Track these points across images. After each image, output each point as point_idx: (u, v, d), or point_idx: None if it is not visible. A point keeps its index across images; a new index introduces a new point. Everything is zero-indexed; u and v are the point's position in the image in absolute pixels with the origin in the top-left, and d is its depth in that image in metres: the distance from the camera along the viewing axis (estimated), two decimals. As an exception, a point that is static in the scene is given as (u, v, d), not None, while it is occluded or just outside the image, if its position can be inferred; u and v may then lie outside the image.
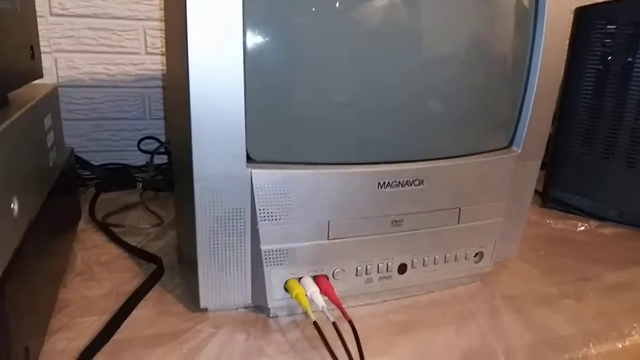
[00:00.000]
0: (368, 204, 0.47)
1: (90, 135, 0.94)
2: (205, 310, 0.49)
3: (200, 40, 0.39)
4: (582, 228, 0.75)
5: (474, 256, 0.55)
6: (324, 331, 0.43)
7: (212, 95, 0.40)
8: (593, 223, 0.76)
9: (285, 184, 0.44)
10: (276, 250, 0.45)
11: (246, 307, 0.50)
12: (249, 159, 0.43)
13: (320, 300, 0.45)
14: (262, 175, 0.43)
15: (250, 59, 0.40)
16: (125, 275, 0.55)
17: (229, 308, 0.49)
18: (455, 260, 0.54)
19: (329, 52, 0.44)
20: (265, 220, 0.44)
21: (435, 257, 0.52)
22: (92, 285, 0.53)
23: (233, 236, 0.45)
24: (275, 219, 0.44)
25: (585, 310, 0.52)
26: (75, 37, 0.90)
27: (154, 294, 0.52)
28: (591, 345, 0.46)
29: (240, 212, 0.44)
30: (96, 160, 0.91)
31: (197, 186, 0.42)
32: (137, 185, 0.79)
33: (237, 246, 0.45)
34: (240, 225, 0.44)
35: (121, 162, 0.93)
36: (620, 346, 0.47)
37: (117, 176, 0.82)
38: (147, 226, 0.68)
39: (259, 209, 0.44)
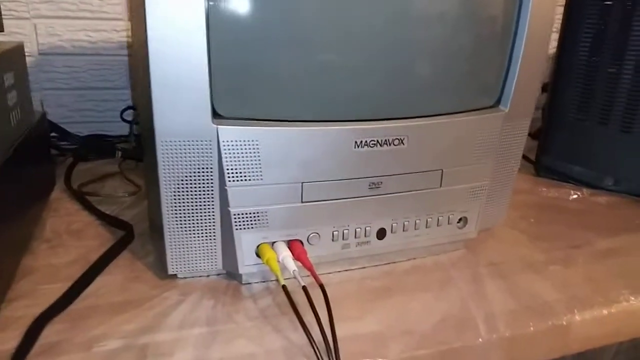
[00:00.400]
0: (344, 165, 0.45)
1: (73, 105, 0.91)
2: (175, 277, 0.47)
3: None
4: (575, 196, 0.72)
5: (458, 221, 0.53)
6: (297, 298, 0.41)
7: (171, 43, 0.37)
8: (586, 191, 0.74)
9: (255, 142, 0.41)
10: (247, 214, 0.43)
11: (218, 274, 0.48)
12: (216, 115, 0.40)
13: (292, 265, 0.43)
14: (229, 132, 0.40)
15: (213, 8, 0.38)
16: (94, 243, 0.53)
17: (199, 275, 0.47)
18: (438, 225, 0.52)
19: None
20: (234, 181, 0.42)
21: (416, 222, 0.50)
22: (59, 252, 0.51)
23: (200, 198, 0.42)
24: (245, 180, 0.42)
25: (572, 276, 0.50)
26: (54, 2, 0.86)
27: (124, 261, 0.50)
28: (575, 312, 0.44)
29: (207, 172, 0.41)
30: (81, 132, 0.88)
31: (159, 142, 0.40)
32: (117, 154, 0.76)
33: (205, 209, 0.43)
34: (208, 187, 0.42)
35: (106, 133, 0.90)
36: (605, 312, 0.45)
37: (95, 145, 0.79)
38: (124, 194, 0.66)
39: (227, 169, 0.41)
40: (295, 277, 0.41)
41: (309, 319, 0.39)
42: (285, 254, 0.44)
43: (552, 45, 0.83)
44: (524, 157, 0.83)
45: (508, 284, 0.48)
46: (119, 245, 0.50)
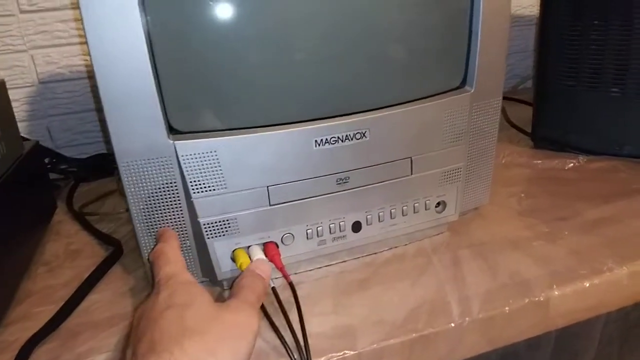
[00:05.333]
0: (307, 165, 0.45)
1: (76, 128, 0.94)
2: (162, 288, 0.49)
3: (94, 9, 0.37)
4: (571, 165, 0.71)
5: (436, 206, 0.53)
6: (274, 298, 0.42)
7: (115, 62, 0.38)
8: (582, 159, 0.72)
9: (214, 153, 0.42)
10: (216, 222, 0.44)
11: (202, 282, 0.49)
12: (173, 130, 0.42)
13: (264, 267, 0.44)
14: (186, 146, 0.42)
15: (152, 24, 0.39)
16: (90, 262, 0.55)
17: (184, 284, 0.49)
18: (415, 212, 0.52)
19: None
20: (198, 192, 0.43)
21: (391, 212, 0.50)
22: (57, 274, 0.53)
23: (169, 212, 0.44)
24: (210, 190, 0.43)
25: (556, 250, 0.50)
26: (48, 32, 0.90)
27: (116, 275, 0.52)
28: (554, 287, 0.44)
29: (172, 186, 0.43)
30: (88, 152, 0.92)
31: (121, 164, 0.41)
32: (115, 172, 0.79)
33: (175, 222, 0.44)
34: (175, 201, 0.43)
35: (109, 152, 0.94)
36: (587, 284, 0.44)
37: (95, 165, 0.82)
38: (122, 211, 0.68)
39: (190, 182, 0.42)
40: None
41: (292, 317, 0.40)
42: (259, 256, 0.45)
43: (536, 13, 0.80)
44: (521, 130, 0.82)
45: (488, 264, 0.48)
46: (106, 263, 0.52)
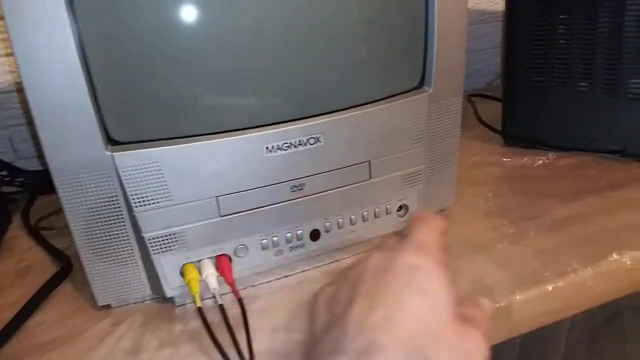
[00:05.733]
0: (258, 173, 0.43)
1: (36, 138, 0.91)
2: (110, 306, 0.46)
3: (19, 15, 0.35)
4: (540, 162, 0.69)
5: (397, 210, 0.51)
6: (229, 314, 0.40)
7: (47, 75, 0.36)
8: (552, 156, 0.70)
9: (156, 164, 0.40)
10: (162, 236, 0.42)
11: (153, 299, 0.47)
12: (112, 141, 0.40)
13: (213, 283, 0.42)
14: (125, 158, 0.39)
15: (84, 30, 0.36)
16: (40, 279, 0.52)
17: (134, 301, 0.47)
18: (376, 217, 0.50)
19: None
20: (141, 206, 0.41)
21: (350, 218, 0.49)
22: (5, 293, 0.51)
23: (111, 228, 0.41)
24: (153, 203, 0.41)
25: (521, 252, 0.48)
26: (5, 40, 0.86)
27: (66, 293, 0.49)
28: (517, 291, 0.42)
29: (112, 201, 0.40)
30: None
31: (57, 180, 0.39)
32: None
33: (118, 238, 0.42)
34: (116, 215, 0.41)
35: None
36: (550, 288, 0.43)
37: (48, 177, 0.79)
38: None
39: (131, 195, 0.40)
40: (214, 296, 0.40)
41: (242, 336, 0.38)
42: (208, 271, 0.43)
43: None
44: (491, 127, 0.81)
45: (450, 268, 0.46)
46: (53, 281, 0.49)
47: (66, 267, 0.52)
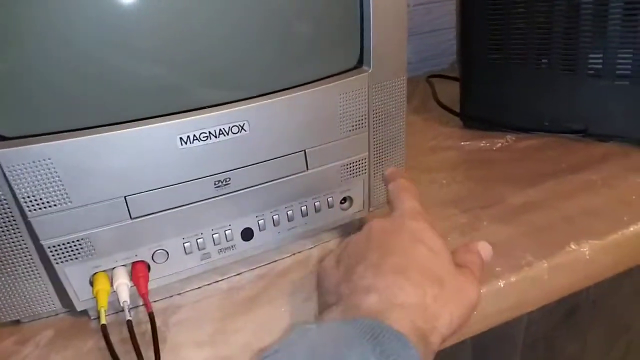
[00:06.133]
0: (172, 167, 0.38)
1: None
2: (18, 321, 0.41)
3: None
4: (499, 145, 0.66)
5: (341, 202, 0.47)
6: (145, 328, 0.35)
7: None
8: (511, 137, 0.67)
9: (48, 161, 0.34)
10: (64, 244, 0.37)
11: (68, 311, 0.42)
12: (-3, 137, 0.34)
13: (124, 294, 0.37)
14: (10, 155, 0.33)
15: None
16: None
17: (44, 316, 0.41)
18: (317, 212, 0.45)
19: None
20: (35, 210, 0.35)
21: (287, 213, 0.44)
22: None
23: (5, 235, 0.36)
24: (49, 206, 0.35)
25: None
26: None
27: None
28: (465, 290, 0.38)
29: (2, 204, 0.35)
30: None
31: None
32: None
33: (14, 247, 0.36)
34: (8, 221, 0.35)
35: None
36: (502, 283, 0.39)
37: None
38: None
39: (22, 198, 0.35)
40: (124, 310, 0.36)
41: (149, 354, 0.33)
42: (120, 281, 0.38)
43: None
44: (449, 109, 0.77)
45: (396, 267, 0.42)
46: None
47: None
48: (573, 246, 0.42)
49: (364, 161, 0.46)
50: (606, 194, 0.51)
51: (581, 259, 0.42)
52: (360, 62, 0.44)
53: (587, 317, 0.50)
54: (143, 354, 0.34)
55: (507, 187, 0.54)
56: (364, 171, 0.47)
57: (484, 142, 0.67)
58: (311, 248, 0.47)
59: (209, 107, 0.38)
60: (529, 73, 0.66)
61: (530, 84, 0.66)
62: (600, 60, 0.60)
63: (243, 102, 0.39)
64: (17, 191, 0.34)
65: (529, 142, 0.65)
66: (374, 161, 0.47)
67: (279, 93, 0.40)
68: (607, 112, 0.62)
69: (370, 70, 0.44)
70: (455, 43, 0.73)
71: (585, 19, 0.60)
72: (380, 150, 0.47)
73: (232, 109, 0.39)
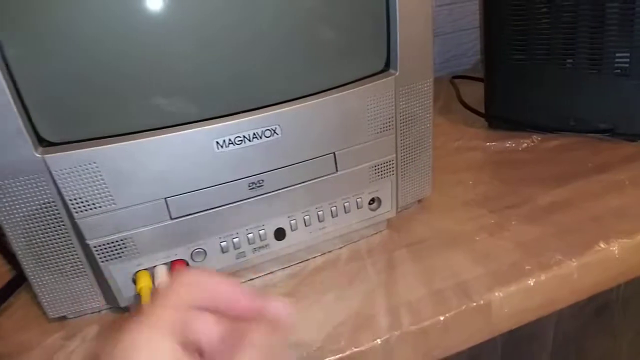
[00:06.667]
0: (209, 170, 0.40)
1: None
2: (65, 317, 0.43)
3: None
4: (525, 145, 0.66)
5: (369, 203, 0.48)
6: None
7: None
8: (537, 138, 0.67)
9: (94, 165, 0.36)
10: (109, 243, 0.39)
11: (111, 308, 0.44)
12: (44, 142, 0.36)
13: (165, 291, 0.39)
14: (59, 160, 0.36)
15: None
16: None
17: (88, 312, 0.43)
18: (346, 212, 0.47)
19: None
20: (82, 211, 0.37)
21: (318, 214, 0.45)
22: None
23: (53, 236, 0.38)
24: (95, 208, 0.38)
25: (500, 244, 0.45)
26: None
27: (21, 303, 0.46)
28: (495, 288, 0.39)
29: (50, 207, 0.37)
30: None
31: (-14, 187, 0.36)
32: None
33: (62, 247, 0.39)
34: (57, 222, 0.38)
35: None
36: (532, 282, 0.40)
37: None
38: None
39: (70, 200, 0.37)
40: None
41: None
42: (161, 279, 0.40)
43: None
44: (474, 110, 0.77)
45: (424, 266, 0.43)
46: (4, 290, 0.46)
47: (20, 276, 0.48)
48: (602, 245, 0.43)
49: (391, 163, 0.47)
50: (634, 194, 0.51)
51: (610, 257, 0.42)
52: (387, 66, 0.45)
53: (617, 316, 0.50)
54: None
55: (534, 187, 0.55)
56: (391, 172, 0.48)
57: (509, 142, 0.67)
58: (341, 247, 0.48)
59: (243, 112, 0.40)
60: (554, 72, 0.66)
61: (556, 84, 0.66)
62: (627, 59, 0.60)
63: (275, 106, 0.41)
64: (64, 194, 0.37)
65: (555, 142, 0.66)
66: (402, 162, 0.48)
67: (309, 97, 0.42)
68: (634, 111, 0.62)
69: (397, 74, 0.45)
70: (479, 43, 0.74)
71: (611, 18, 0.60)
72: (408, 152, 0.48)
73: (264, 114, 0.40)
